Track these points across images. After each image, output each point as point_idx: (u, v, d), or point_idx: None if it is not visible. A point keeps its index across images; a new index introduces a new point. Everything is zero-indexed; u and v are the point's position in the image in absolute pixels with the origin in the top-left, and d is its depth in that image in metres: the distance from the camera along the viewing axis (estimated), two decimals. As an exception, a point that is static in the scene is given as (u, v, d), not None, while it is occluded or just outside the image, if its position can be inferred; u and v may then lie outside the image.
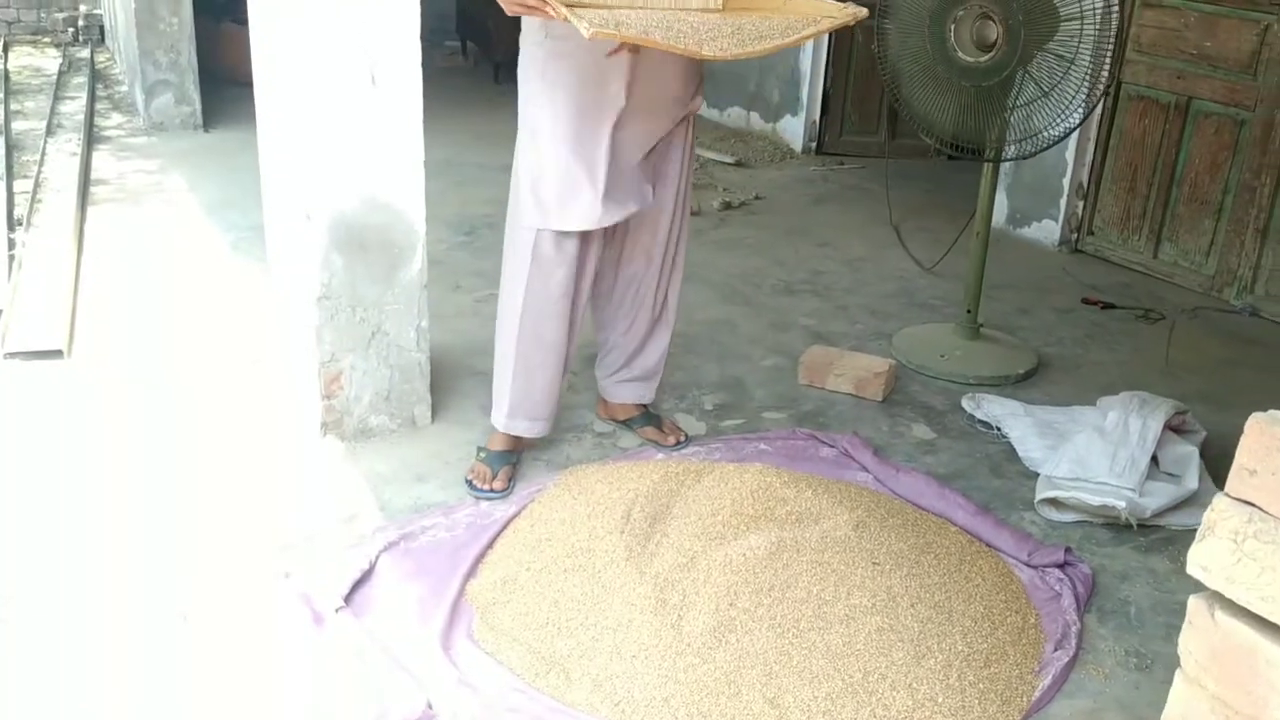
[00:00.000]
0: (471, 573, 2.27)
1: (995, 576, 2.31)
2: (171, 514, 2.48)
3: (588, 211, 2.46)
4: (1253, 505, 1.08)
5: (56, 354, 3.19)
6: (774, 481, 2.40)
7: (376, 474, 2.68)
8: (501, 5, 2.23)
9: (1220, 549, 1.10)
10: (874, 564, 2.19)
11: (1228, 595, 1.10)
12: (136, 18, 5.60)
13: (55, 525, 2.42)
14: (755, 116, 6.33)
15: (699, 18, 2.22)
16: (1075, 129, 3.22)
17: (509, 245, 2.58)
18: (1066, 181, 4.51)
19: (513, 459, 2.68)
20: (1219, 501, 1.10)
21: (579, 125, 2.42)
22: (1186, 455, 2.73)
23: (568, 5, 2.09)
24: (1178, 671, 1.20)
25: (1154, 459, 2.72)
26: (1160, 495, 2.59)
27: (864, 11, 2.28)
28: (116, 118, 6.06)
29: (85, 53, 7.46)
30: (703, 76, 2.65)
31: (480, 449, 2.69)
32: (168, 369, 3.16)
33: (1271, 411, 1.09)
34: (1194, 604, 1.16)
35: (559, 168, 2.44)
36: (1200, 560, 1.12)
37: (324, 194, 2.60)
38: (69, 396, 2.99)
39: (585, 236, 2.53)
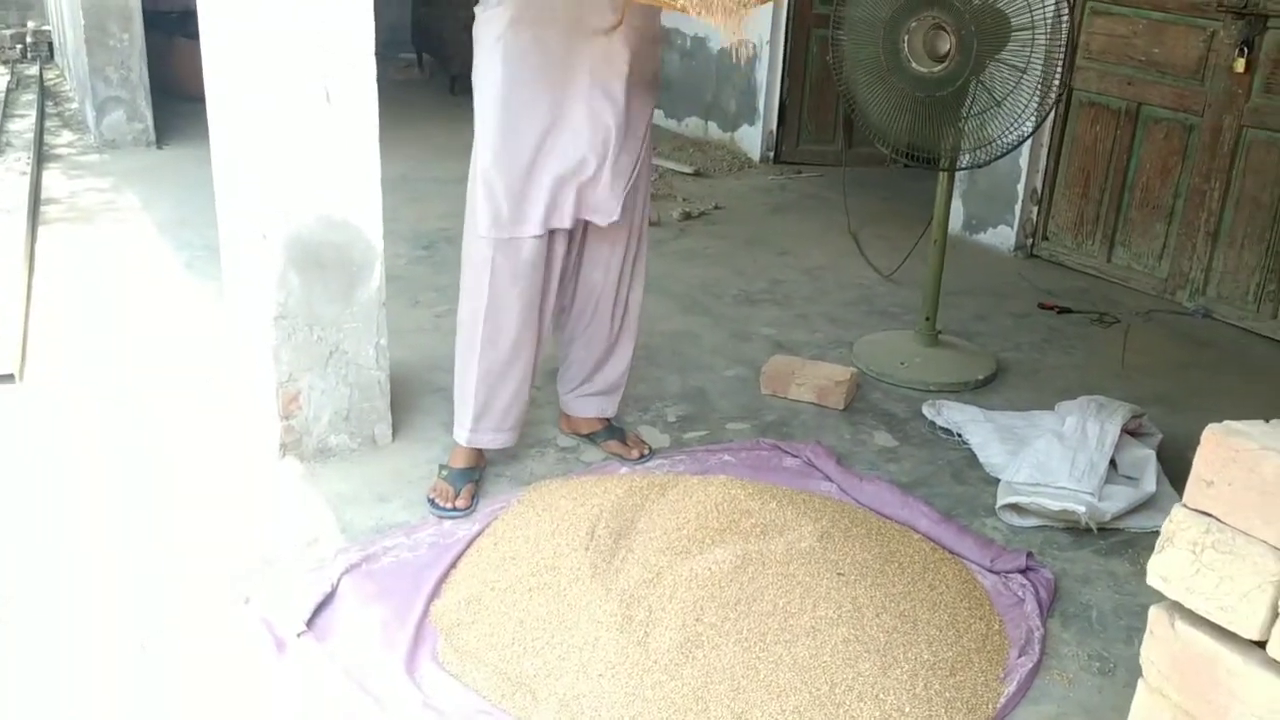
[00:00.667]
0: (435, 593, 2.25)
1: (959, 584, 2.33)
2: (128, 540, 2.44)
3: (543, 214, 2.45)
4: (1210, 516, 1.09)
5: (8, 378, 3.13)
6: (738, 494, 2.40)
7: (337, 494, 2.65)
8: None
9: (1179, 559, 1.11)
10: (839, 575, 2.19)
11: (1187, 605, 1.12)
12: (86, 34, 5.53)
13: (4, 555, 2.38)
14: (713, 126, 6.35)
15: None
16: (1028, 137, 3.26)
17: (466, 256, 2.56)
18: (1021, 188, 4.56)
19: (475, 476, 2.66)
20: (1177, 512, 1.11)
21: (535, 122, 2.41)
22: (1144, 458, 2.76)
23: None
24: (1140, 681, 1.21)
25: (1112, 462, 2.76)
26: (1119, 499, 2.62)
27: None
28: (67, 135, 5.98)
29: (34, 70, 7.36)
30: (657, 72, 2.62)
31: (442, 467, 2.67)
32: (122, 392, 3.11)
33: (1227, 423, 1.10)
34: (1155, 614, 1.17)
35: (514, 171, 2.42)
36: (1160, 571, 1.13)
37: (280, 213, 2.57)
38: (20, 422, 2.93)
39: (544, 241, 2.51)
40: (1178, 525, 1.11)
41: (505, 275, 2.49)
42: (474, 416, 2.61)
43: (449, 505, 2.56)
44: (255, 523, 2.53)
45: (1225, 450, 1.07)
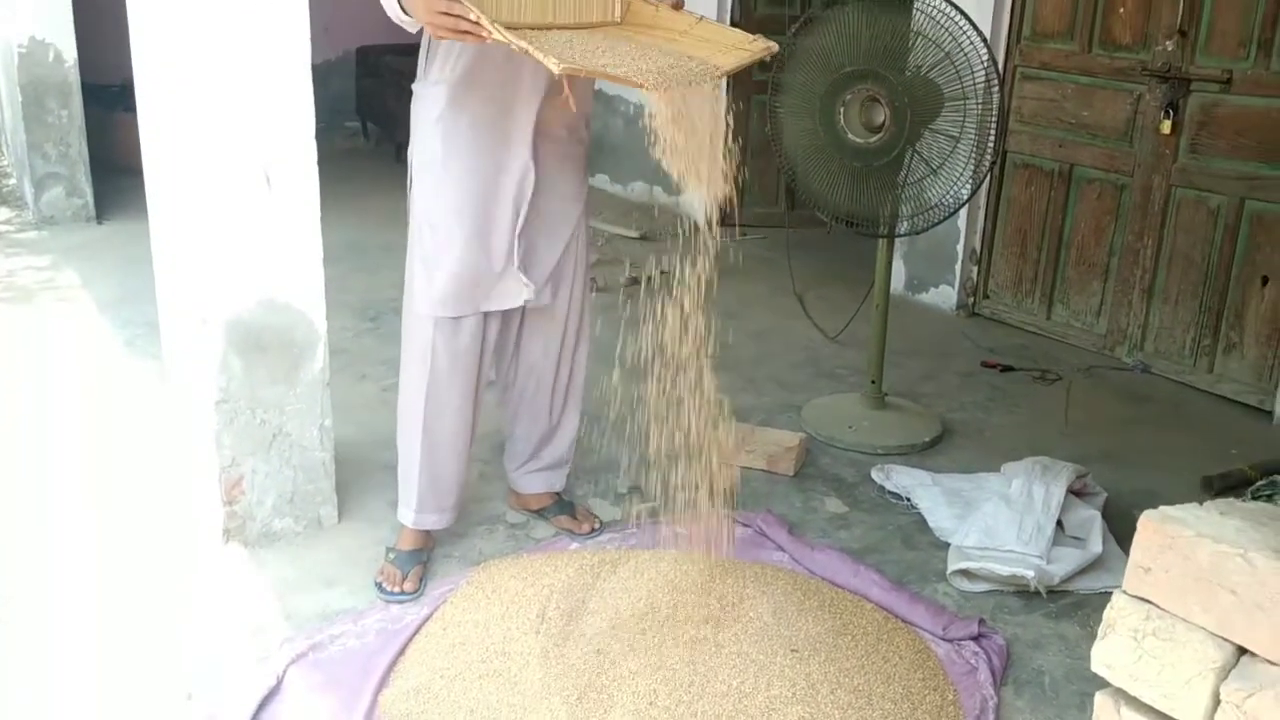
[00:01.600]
0: (384, 682, 2.20)
1: (912, 654, 2.32)
2: (67, 637, 2.37)
3: (481, 294, 2.45)
4: (1150, 603, 1.10)
5: (-60, 468, 3.05)
6: (689, 569, 2.39)
7: (283, 581, 2.60)
8: (428, 28, 2.10)
9: (1121, 647, 1.12)
10: (793, 651, 2.18)
11: (1132, 693, 1.12)
12: (24, 110, 5.48)
13: (-61, 656, 2.30)
14: (659, 190, 6.41)
15: (623, 45, 2.19)
16: (965, 203, 3.32)
17: (406, 334, 2.55)
18: (960, 248, 4.64)
19: (423, 557, 2.63)
20: (1117, 599, 1.12)
21: (475, 199, 2.41)
22: (1089, 519, 2.79)
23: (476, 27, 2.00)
24: (1090, 766, 1.21)
25: (1059, 523, 2.78)
26: (1067, 561, 2.64)
27: (775, 46, 2.28)
28: (5, 212, 5.89)
29: (-30, 145, 7.26)
30: (587, 153, 2.65)
31: (389, 549, 2.64)
32: (58, 479, 3.04)
33: (1162, 509, 1.12)
34: (1100, 700, 1.17)
35: (452, 250, 2.42)
36: (1103, 659, 1.14)
37: (220, 297, 2.55)
38: (-46, 514, 2.86)
39: (482, 320, 2.51)
40: (1118, 612, 1.12)
41: (445, 355, 2.48)
42: (418, 497, 2.58)
43: (396, 589, 2.52)
44: (199, 615, 2.47)
45: (1161, 537, 1.08)
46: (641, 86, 1.99)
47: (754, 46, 2.26)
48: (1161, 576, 1.08)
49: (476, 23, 1.98)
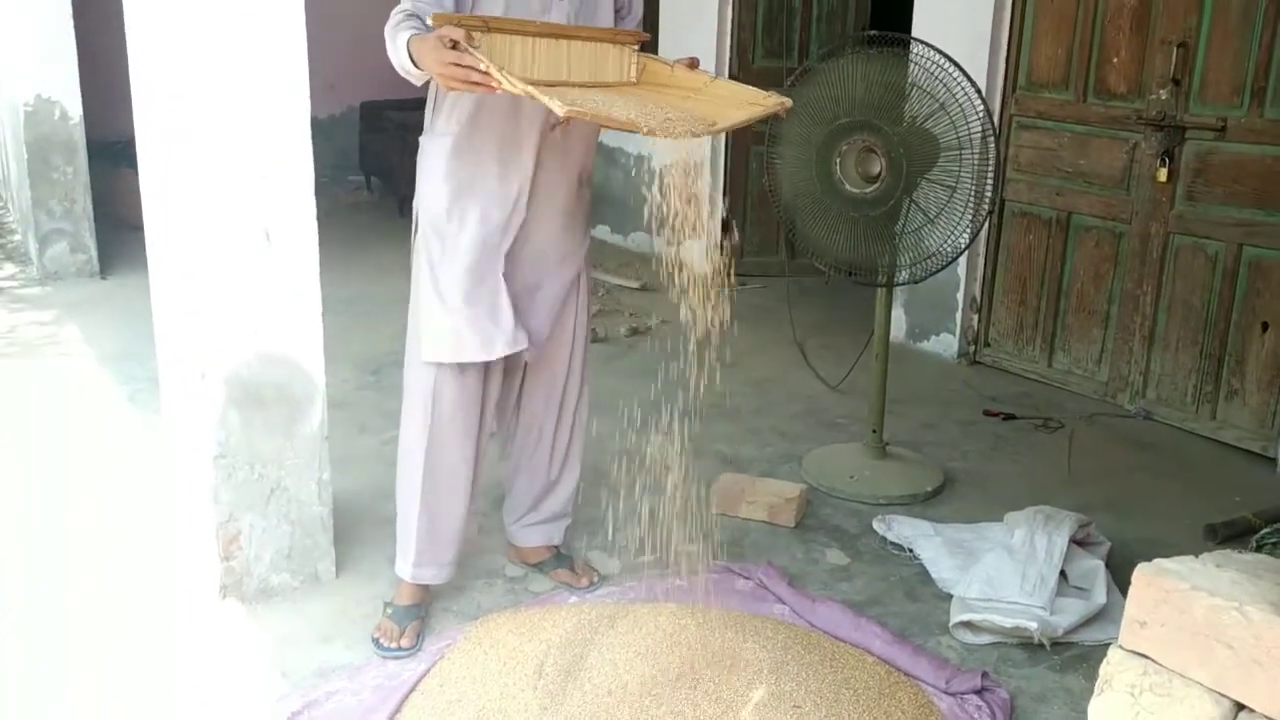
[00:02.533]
0: (380, 741, 2.18)
1: (914, 709, 2.29)
2: (60, 691, 2.35)
3: (483, 341, 2.45)
4: (1146, 658, 1.08)
5: (-62, 524, 3.04)
6: (689, 623, 2.36)
7: (279, 637, 2.58)
8: (439, 79, 2.11)
9: (1118, 703, 1.10)
10: (795, 707, 2.15)
11: (1130, 751, 1.10)
12: (29, 167, 5.53)
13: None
14: (659, 241, 6.43)
15: (635, 99, 2.22)
16: (962, 252, 3.33)
17: (408, 383, 2.56)
18: (960, 296, 4.65)
19: (420, 612, 2.61)
20: (1113, 654, 1.11)
21: (478, 249, 2.43)
22: (1093, 569, 2.77)
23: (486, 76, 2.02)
24: (1091, 825, 1.19)
25: (1063, 573, 2.76)
26: (1071, 612, 2.62)
27: (789, 101, 2.31)
28: (9, 268, 5.93)
29: (-23, 202, 7.33)
30: (590, 197, 2.67)
31: (387, 604, 2.62)
32: (57, 535, 3.03)
33: (1157, 561, 1.11)
34: (1099, 758, 1.15)
35: (456, 298, 2.43)
36: (1101, 715, 1.12)
37: (219, 352, 2.55)
38: (-50, 571, 2.85)
39: (485, 370, 2.52)
40: (1115, 667, 1.10)
41: (447, 405, 2.48)
42: (416, 551, 2.57)
43: (394, 645, 2.50)
44: (195, 672, 2.45)
45: (1156, 591, 1.07)
46: (643, 132, 2.02)
47: (767, 102, 2.29)
48: (1157, 630, 1.07)
49: (486, 73, 2.00)
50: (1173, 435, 3.98)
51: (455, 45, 2.04)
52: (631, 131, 2.05)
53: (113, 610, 2.68)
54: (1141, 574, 1.08)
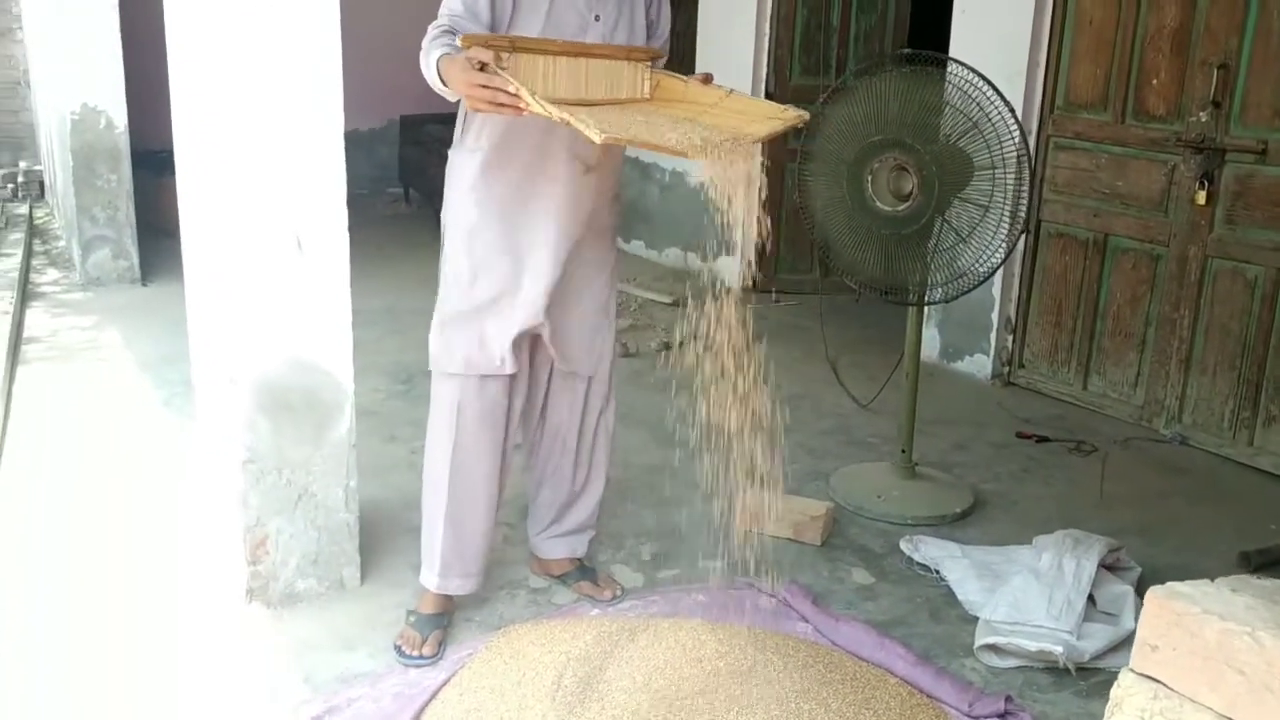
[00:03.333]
0: (398, 748, 2.19)
1: (935, 731, 2.27)
2: (88, 696, 2.38)
3: (508, 354, 2.47)
4: (1157, 681, 1.07)
5: (-25, 523, 3.10)
6: (708, 639, 2.36)
7: (302, 642, 2.60)
8: (467, 101, 2.14)
9: (1130, 727, 1.09)
10: (811, 724, 2.14)
11: (1140, 775, 1.09)
12: (75, 174, 5.63)
13: (-40, 712, 2.32)
14: (693, 256, 6.44)
15: (657, 118, 2.23)
16: (993, 272, 3.30)
17: (434, 396, 2.58)
18: (995, 316, 4.61)
19: (444, 622, 2.62)
20: (1124, 678, 1.10)
21: (504, 263, 2.44)
22: (1122, 594, 2.73)
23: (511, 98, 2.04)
24: None
25: (1091, 598, 2.72)
26: (1098, 637, 2.58)
27: (806, 114, 2.31)
28: (53, 273, 6.04)
29: (23, 209, 7.47)
30: (617, 222, 2.68)
31: (410, 613, 2.63)
32: (88, 537, 3.07)
33: (1170, 584, 1.09)
34: (1110, 782, 1.14)
35: (481, 311, 2.45)
36: (1111, 739, 1.11)
37: (249, 358, 2.58)
38: (-15, 569, 2.89)
39: (508, 383, 2.53)
40: (1125, 691, 1.09)
41: (471, 418, 2.50)
42: (442, 561, 2.58)
43: (415, 653, 2.51)
44: (219, 675, 2.47)
45: (1167, 614, 1.05)
46: (684, 154, 2.03)
47: (785, 115, 2.29)
48: (1169, 654, 1.05)
49: (515, 95, 2.02)
50: (1208, 461, 3.92)
51: (484, 67, 2.06)
52: (673, 154, 2.06)
53: (140, 610, 2.71)
54: (1153, 597, 1.07)
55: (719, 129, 2.17)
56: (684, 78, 2.44)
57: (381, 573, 2.92)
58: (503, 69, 2.07)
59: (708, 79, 2.44)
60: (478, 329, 2.46)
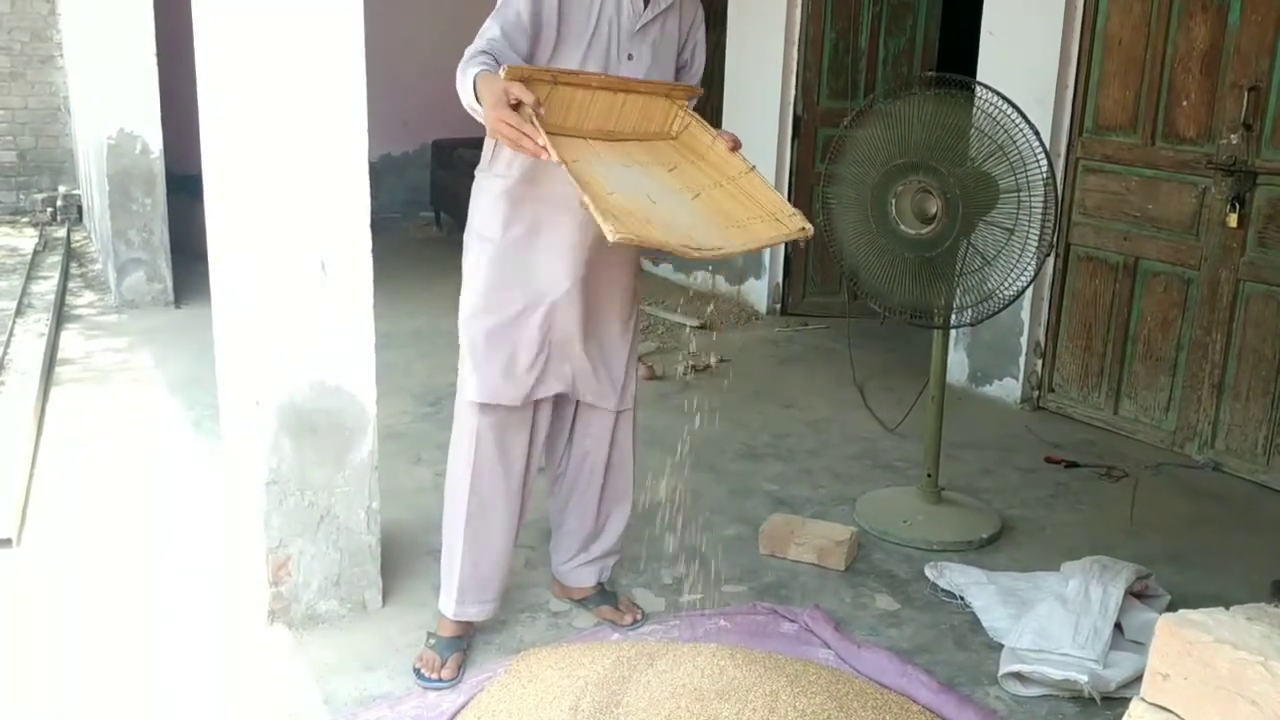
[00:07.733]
0: (415, 771, 2.18)
1: (957, 760, 2.24)
2: (111, 715, 2.40)
3: (530, 383, 2.47)
4: (1169, 711, 1.05)
5: (6, 543, 3.13)
6: (728, 665, 2.34)
7: (323, 664, 2.61)
8: (490, 130, 2.13)
9: (1141, 758, 1.07)
10: (829, 752, 2.12)
11: (1152, 809, 1.07)
12: (110, 198, 5.72)
13: (-15, 729, 2.34)
14: (720, 280, 6.44)
15: (670, 198, 2.24)
16: (1017, 297, 3.27)
17: (456, 421, 2.58)
18: (1024, 340, 4.57)
19: (463, 645, 2.61)
20: (1135, 707, 1.08)
21: (525, 292, 2.44)
22: (1150, 622, 2.67)
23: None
24: None
25: (1119, 626, 2.68)
26: (1125, 666, 2.54)
27: (810, 228, 2.27)
28: (89, 296, 6.13)
29: (62, 232, 7.60)
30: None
31: (430, 635, 2.63)
32: (116, 557, 3.10)
33: (1182, 612, 1.08)
34: (1122, 815, 1.12)
35: (502, 338, 2.45)
36: (1122, 770, 1.09)
37: (273, 380, 2.61)
38: (13, 587, 2.92)
39: (530, 410, 2.53)
40: (1137, 721, 1.07)
41: (490, 443, 2.50)
42: (460, 588, 2.58)
43: (435, 676, 2.51)
44: (240, 697, 2.48)
45: (1179, 642, 1.04)
46: (691, 257, 2.09)
47: (790, 223, 2.26)
48: (1180, 683, 1.04)
49: (541, 146, 2.02)
50: (1242, 487, 3.86)
51: (518, 105, 2.06)
52: (678, 255, 2.09)
53: (163, 630, 2.73)
54: (1165, 624, 1.05)
55: (725, 217, 2.21)
56: (713, 132, 2.42)
57: (403, 594, 2.92)
58: (540, 112, 2.06)
59: (736, 145, 2.41)
60: (499, 356, 2.46)
